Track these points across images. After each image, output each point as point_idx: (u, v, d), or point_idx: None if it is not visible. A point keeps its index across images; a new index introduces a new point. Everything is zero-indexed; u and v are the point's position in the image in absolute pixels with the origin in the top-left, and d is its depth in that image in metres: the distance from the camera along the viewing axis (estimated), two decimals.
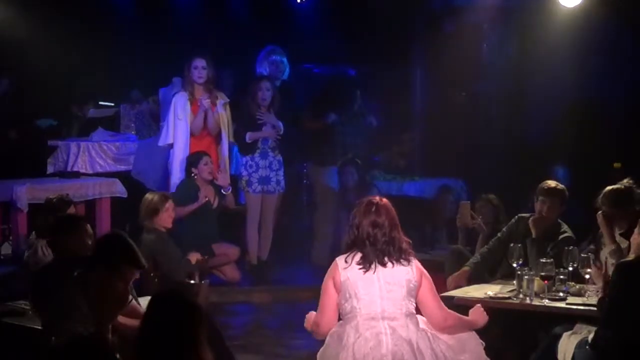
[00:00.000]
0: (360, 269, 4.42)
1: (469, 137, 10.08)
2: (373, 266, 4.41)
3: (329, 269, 4.52)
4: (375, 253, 4.43)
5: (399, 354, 4.29)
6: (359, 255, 4.45)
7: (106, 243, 4.41)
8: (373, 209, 4.48)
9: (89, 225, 5.21)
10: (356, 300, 4.39)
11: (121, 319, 4.36)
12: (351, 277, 4.41)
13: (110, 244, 4.38)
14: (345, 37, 10.23)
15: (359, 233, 4.47)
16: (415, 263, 4.51)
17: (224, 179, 8.32)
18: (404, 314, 4.40)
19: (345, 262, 4.46)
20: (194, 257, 7.17)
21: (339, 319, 4.50)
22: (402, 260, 4.46)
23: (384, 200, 4.59)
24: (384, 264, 4.43)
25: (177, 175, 8.34)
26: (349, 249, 4.51)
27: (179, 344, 3.37)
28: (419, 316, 4.53)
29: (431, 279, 4.59)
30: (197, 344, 3.40)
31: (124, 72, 10.49)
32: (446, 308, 4.62)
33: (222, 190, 8.28)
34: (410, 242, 4.56)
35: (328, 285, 4.48)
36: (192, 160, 8.18)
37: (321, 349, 4.51)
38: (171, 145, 8.39)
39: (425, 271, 4.57)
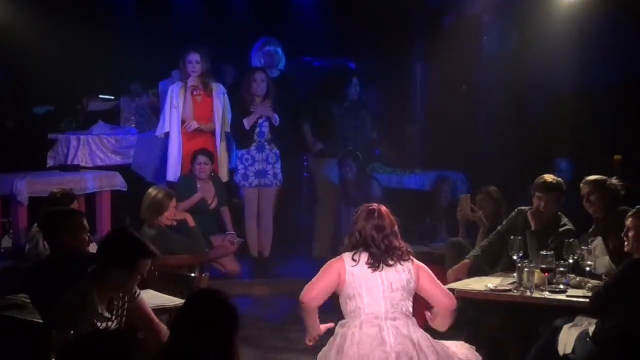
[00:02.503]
0: (368, 268, 4.55)
1: (470, 130, 10.07)
2: (380, 265, 4.55)
3: (337, 260, 4.62)
4: (381, 253, 4.57)
5: (403, 352, 4.39)
6: (366, 255, 4.58)
7: (118, 243, 4.38)
8: (375, 214, 4.64)
9: (85, 220, 5.19)
10: (360, 300, 4.51)
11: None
12: (357, 276, 4.54)
13: (121, 244, 4.36)
14: (345, 31, 10.21)
15: (362, 237, 4.61)
16: (413, 260, 4.66)
17: (232, 237, 8.26)
18: (404, 314, 4.53)
19: (354, 260, 4.57)
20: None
21: (343, 318, 4.60)
22: (402, 262, 4.60)
23: (383, 207, 4.75)
24: (388, 265, 4.56)
25: (173, 164, 8.39)
26: (353, 249, 4.62)
27: (214, 345, 3.35)
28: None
29: (429, 270, 4.71)
30: (232, 346, 3.40)
31: (124, 65, 10.47)
32: (451, 294, 4.76)
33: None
34: (410, 250, 4.69)
35: (332, 272, 4.59)
36: (192, 158, 8.25)
37: (323, 349, 4.58)
38: (168, 135, 8.44)
39: (422, 264, 4.70)
